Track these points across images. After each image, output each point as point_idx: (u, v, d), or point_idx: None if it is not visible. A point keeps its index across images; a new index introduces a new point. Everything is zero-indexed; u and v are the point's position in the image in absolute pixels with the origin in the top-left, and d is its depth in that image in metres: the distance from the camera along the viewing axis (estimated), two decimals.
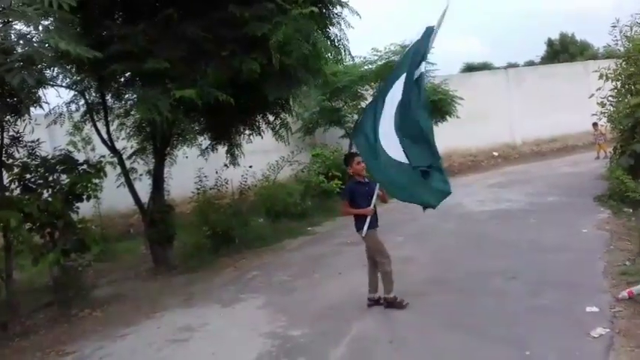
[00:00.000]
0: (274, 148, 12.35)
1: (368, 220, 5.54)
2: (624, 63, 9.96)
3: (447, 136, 16.76)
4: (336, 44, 8.38)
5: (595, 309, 5.00)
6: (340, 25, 8.09)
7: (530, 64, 34.06)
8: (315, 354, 4.82)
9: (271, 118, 9.57)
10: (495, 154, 18.78)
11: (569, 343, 4.41)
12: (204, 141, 10.17)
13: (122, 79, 7.97)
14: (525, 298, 5.57)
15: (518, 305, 5.39)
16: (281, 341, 5.22)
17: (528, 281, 6.04)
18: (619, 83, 10.06)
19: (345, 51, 8.51)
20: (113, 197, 10.29)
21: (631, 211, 8.51)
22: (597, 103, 10.25)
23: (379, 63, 13.53)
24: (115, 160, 8.65)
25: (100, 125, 8.83)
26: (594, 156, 15.98)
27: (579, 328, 4.63)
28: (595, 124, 15.49)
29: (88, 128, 9.51)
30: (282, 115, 9.64)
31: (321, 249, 8.95)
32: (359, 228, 5.63)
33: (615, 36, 10.37)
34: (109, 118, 8.94)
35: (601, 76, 10.06)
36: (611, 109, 10.07)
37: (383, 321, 5.45)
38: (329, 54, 8.25)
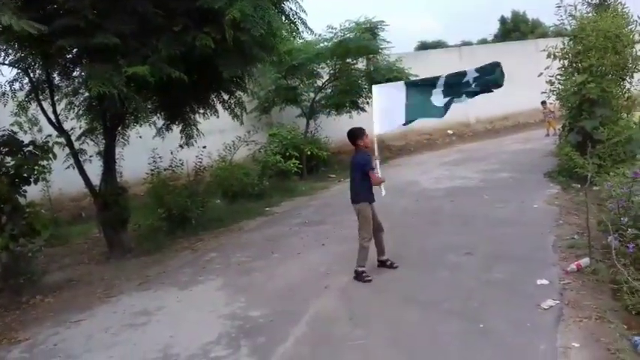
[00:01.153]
0: (231, 127, 12.17)
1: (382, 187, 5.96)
2: (571, 42, 10.20)
3: None
4: (292, 18, 8.25)
5: (545, 282, 5.19)
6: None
7: (484, 42, 34.62)
8: (275, 333, 4.82)
9: (226, 96, 9.38)
10: (450, 132, 19.06)
11: (520, 315, 4.56)
12: (158, 120, 9.89)
13: (69, 56, 7.62)
14: (479, 272, 5.72)
15: (473, 279, 5.54)
16: (241, 322, 5.20)
17: (482, 256, 6.21)
18: (566, 62, 10.29)
19: (302, 25, 8.40)
20: (63, 180, 9.93)
21: (579, 186, 8.80)
22: (546, 82, 10.47)
23: (334, 40, 13.42)
24: (63, 141, 8.32)
25: (47, 105, 8.46)
26: (544, 133, 16.42)
27: (530, 301, 4.79)
28: (544, 102, 15.79)
29: (33, 108, 9.09)
30: (237, 94, 9.47)
31: (280, 229, 8.91)
32: (364, 199, 5.88)
33: (561, 15, 10.59)
34: (57, 97, 8.57)
35: (549, 55, 10.27)
36: (560, 87, 10.29)
37: (342, 298, 5.50)
38: (284, 31, 8.11)
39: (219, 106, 9.53)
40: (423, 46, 35.00)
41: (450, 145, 17.68)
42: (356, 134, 6.01)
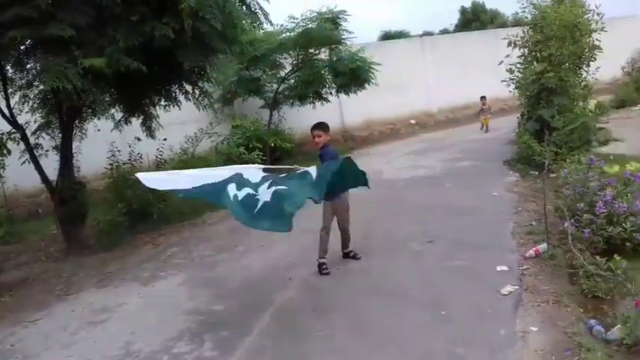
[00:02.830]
0: (192, 119, 11.97)
1: None
2: (531, 30, 10.38)
3: (366, 105, 17.04)
4: (252, 9, 8.14)
5: (505, 268, 5.30)
6: None
7: (445, 32, 34.97)
8: (239, 327, 4.78)
9: (189, 87, 9.20)
10: (413, 121, 19.21)
11: (481, 301, 4.64)
12: (117, 113, 9.64)
13: (23, 47, 7.34)
14: (441, 260, 5.80)
15: (435, 267, 5.61)
16: (203, 317, 5.15)
17: (444, 244, 6.30)
18: (526, 50, 10.49)
19: (263, 16, 8.30)
20: (18, 176, 9.55)
21: (537, 173, 8.98)
22: (506, 70, 10.65)
23: (296, 31, 13.30)
24: (18, 135, 8.03)
25: (0, 98, 8.15)
26: (480, 128, 16.28)
27: (491, 287, 4.89)
28: (483, 97, 15.90)
29: None
30: (200, 84, 9.29)
31: None
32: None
33: (522, 3, 10.77)
34: (10, 90, 8.25)
35: (509, 44, 10.44)
36: (519, 75, 10.49)
37: (306, 290, 5.50)
38: (244, 21, 7.99)
39: (181, 98, 9.33)
40: (387, 36, 35.08)
41: (414, 135, 17.82)
42: (323, 128, 5.92)
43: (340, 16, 13.25)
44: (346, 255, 6.23)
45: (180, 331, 4.87)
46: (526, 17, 10.85)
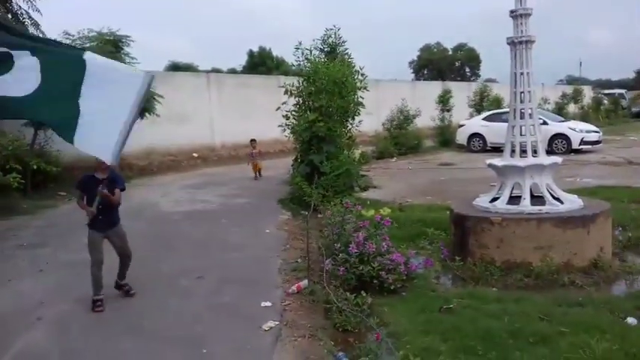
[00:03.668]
0: None
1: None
2: (305, 82, 11.27)
3: (146, 135, 16.42)
4: (20, 18, 7.39)
5: (269, 303, 5.50)
6: None
7: (233, 71, 36.09)
8: None
9: None
10: (195, 155, 19.13)
11: (243, 337, 4.73)
12: None
13: None
14: (209, 296, 5.79)
15: (201, 304, 5.57)
16: None
17: (213, 280, 6.31)
18: (301, 99, 11.34)
19: (32, 26, 7.57)
20: None
21: (307, 213, 9.63)
22: (282, 115, 11.36)
23: None
24: None
25: None
26: (252, 176, 14.74)
27: (254, 323, 5.01)
28: (253, 140, 15.03)
29: None
30: None
31: None
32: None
33: (298, 57, 11.67)
34: None
35: (286, 92, 11.20)
36: (294, 121, 11.26)
37: (56, 331, 4.98)
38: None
39: None
40: (174, 67, 34.79)
41: (195, 168, 17.74)
42: None
43: (123, 40, 12.75)
44: (119, 287, 5.82)
45: None
46: (301, 69, 11.76)
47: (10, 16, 7.25)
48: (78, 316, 5.31)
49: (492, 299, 5.33)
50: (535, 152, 6.62)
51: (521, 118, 6.63)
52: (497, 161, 6.77)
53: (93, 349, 4.60)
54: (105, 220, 5.49)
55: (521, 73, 6.57)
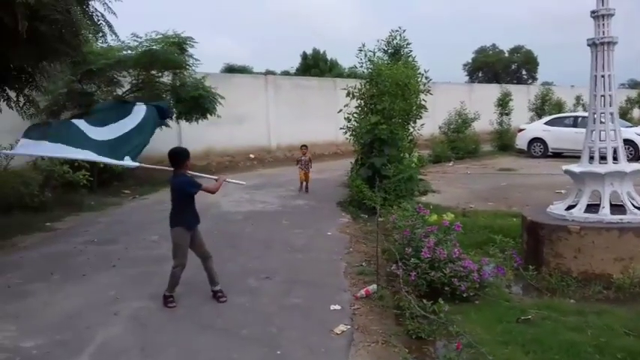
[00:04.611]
0: (6, 129, 10.68)
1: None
2: (368, 84, 11.19)
3: (206, 135, 16.83)
4: (97, 20, 7.63)
5: (338, 307, 5.45)
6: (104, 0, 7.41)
7: (286, 73, 36.25)
8: None
9: (13, 94, 8.20)
10: (252, 156, 19.38)
11: (316, 340, 4.70)
12: None
13: None
14: (278, 297, 5.79)
15: (271, 304, 5.58)
16: (9, 354, 4.48)
17: (280, 281, 6.32)
18: (362, 102, 11.27)
19: (107, 27, 7.81)
20: None
21: (367, 216, 9.58)
22: (344, 118, 11.32)
23: (139, 50, 12.75)
24: None
25: None
26: (297, 187, 13.20)
27: (325, 326, 4.98)
28: (304, 146, 13.37)
29: None
30: (26, 91, 8.35)
31: (62, 247, 7.98)
32: (178, 223, 5.55)
33: (361, 59, 11.59)
34: None
35: (348, 94, 11.16)
36: (355, 124, 11.21)
37: (133, 327, 5.09)
38: (87, 31, 7.44)
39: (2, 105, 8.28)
40: (230, 69, 35.32)
41: (251, 169, 17.93)
42: (181, 156, 5.58)
43: (187, 42, 13.04)
44: (214, 294, 5.73)
45: None
46: (363, 71, 11.66)
47: (86, 18, 7.41)
48: (152, 312, 5.42)
49: (571, 311, 5.12)
50: (615, 159, 6.32)
51: (601, 122, 6.35)
52: (574, 167, 6.51)
53: (171, 344, 4.67)
54: (195, 215, 5.65)
55: (602, 76, 6.30)
